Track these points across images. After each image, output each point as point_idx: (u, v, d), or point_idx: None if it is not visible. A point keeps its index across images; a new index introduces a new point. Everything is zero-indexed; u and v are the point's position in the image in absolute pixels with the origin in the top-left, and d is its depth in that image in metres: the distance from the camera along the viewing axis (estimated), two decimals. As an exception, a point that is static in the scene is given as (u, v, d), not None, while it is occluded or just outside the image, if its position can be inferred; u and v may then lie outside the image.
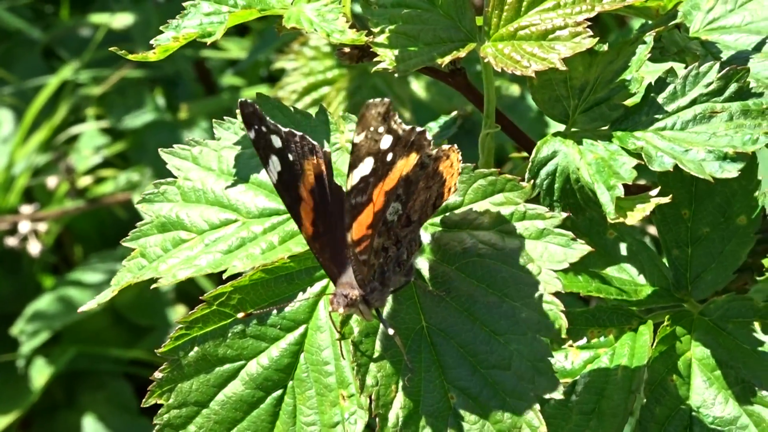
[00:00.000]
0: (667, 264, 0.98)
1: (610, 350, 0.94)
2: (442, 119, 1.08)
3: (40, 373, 2.17)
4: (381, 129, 0.75)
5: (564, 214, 0.84)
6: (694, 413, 0.91)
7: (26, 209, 2.17)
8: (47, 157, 2.28)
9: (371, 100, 0.75)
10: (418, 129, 0.77)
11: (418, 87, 1.71)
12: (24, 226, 2.15)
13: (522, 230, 0.84)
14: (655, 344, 0.92)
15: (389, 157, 0.76)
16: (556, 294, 0.83)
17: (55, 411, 2.24)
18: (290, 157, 0.83)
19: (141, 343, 2.23)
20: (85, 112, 2.36)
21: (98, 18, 2.39)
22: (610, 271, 0.98)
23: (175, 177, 0.92)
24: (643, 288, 0.97)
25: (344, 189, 0.82)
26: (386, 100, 0.75)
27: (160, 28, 0.89)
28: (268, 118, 0.83)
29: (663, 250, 0.97)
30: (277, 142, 0.83)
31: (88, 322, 2.21)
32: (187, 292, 2.30)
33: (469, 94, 0.97)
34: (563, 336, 0.82)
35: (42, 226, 2.17)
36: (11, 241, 2.14)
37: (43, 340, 2.14)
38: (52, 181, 2.25)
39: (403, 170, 0.78)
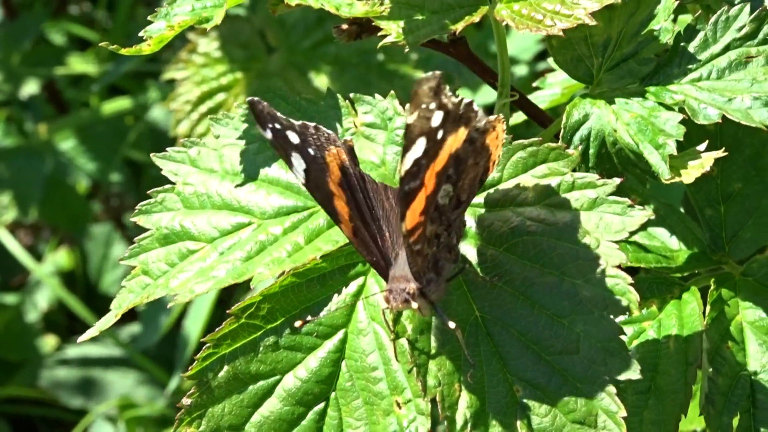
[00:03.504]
0: (700, 225, 0.92)
1: (655, 322, 0.88)
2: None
3: None
4: (432, 105, 0.68)
5: (618, 180, 0.77)
6: (753, 379, 0.86)
7: None
8: None
9: (422, 76, 0.67)
10: (466, 100, 0.70)
11: (322, 84, 1.60)
12: None
13: (573, 202, 0.77)
14: (707, 311, 0.86)
15: (440, 134, 0.69)
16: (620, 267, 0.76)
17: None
18: (311, 151, 0.77)
19: (14, 379, 2.10)
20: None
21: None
22: (639, 239, 0.91)
23: (173, 183, 0.84)
24: (678, 253, 0.91)
25: (365, 173, 0.79)
26: (437, 73, 0.67)
27: (148, 17, 0.80)
28: (278, 114, 0.77)
29: (695, 210, 0.92)
30: (294, 138, 0.77)
31: (-44, 361, 2.09)
32: (55, 321, 2.20)
33: (473, 65, 0.89)
34: (635, 312, 0.75)
35: None
36: None
37: None
38: None
39: (452, 147, 0.70)
